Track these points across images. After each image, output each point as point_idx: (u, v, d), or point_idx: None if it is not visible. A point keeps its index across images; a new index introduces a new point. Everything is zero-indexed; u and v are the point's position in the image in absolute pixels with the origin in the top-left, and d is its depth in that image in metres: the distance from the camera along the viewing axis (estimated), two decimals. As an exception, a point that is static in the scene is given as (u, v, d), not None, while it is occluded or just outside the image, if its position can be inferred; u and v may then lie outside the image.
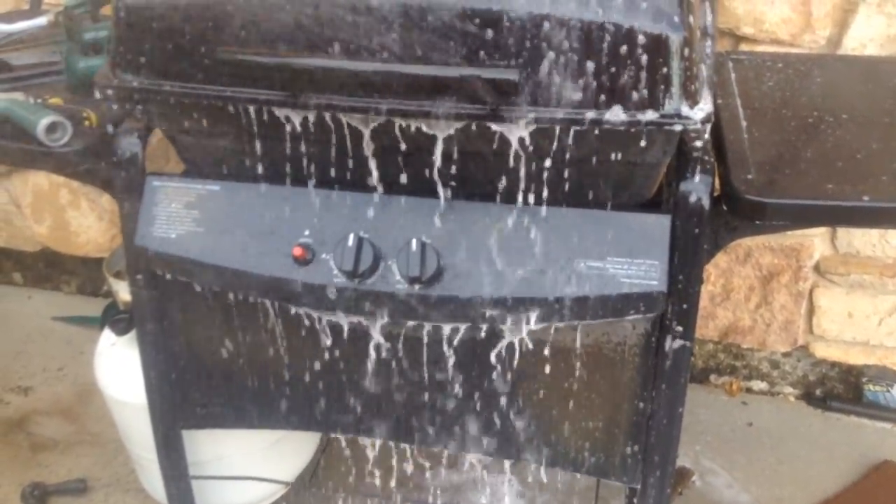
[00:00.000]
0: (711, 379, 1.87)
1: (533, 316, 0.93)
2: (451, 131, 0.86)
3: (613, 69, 0.79)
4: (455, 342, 0.99)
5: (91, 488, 1.63)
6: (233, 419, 1.18)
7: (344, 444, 1.42)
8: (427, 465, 1.59)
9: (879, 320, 1.65)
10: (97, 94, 0.93)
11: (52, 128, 0.96)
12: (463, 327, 0.97)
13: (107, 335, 1.31)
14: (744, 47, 1.42)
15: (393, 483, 1.51)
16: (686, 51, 0.80)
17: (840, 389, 1.81)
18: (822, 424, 1.78)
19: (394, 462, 1.41)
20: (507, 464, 1.51)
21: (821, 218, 0.88)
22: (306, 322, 1.04)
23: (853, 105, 1.04)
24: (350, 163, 0.94)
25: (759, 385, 1.87)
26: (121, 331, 1.22)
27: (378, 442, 1.21)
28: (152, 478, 1.36)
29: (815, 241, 1.59)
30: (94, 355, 1.32)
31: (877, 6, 1.33)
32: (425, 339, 1.01)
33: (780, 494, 1.61)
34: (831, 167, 0.88)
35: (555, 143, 0.85)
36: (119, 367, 1.27)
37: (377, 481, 1.51)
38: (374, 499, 1.54)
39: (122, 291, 1.22)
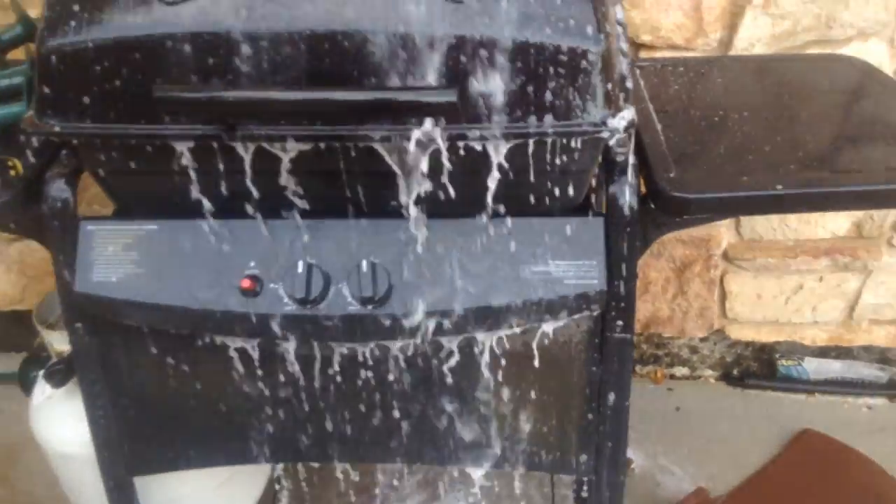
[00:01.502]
0: (637, 369, 1.95)
1: (485, 325, 0.96)
2: (390, 153, 0.89)
3: (543, 84, 0.84)
4: (408, 357, 1.02)
5: (35, 552, 1.57)
6: (186, 460, 1.16)
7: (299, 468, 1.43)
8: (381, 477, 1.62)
9: (786, 299, 1.77)
10: (24, 141, 0.91)
11: (-22, 180, 0.94)
12: (417, 342, 1.00)
13: (40, 389, 1.27)
14: (643, 54, 1.50)
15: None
16: (605, 62, 0.86)
17: (755, 367, 1.93)
18: (742, 402, 1.90)
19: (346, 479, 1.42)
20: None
21: (741, 208, 0.95)
22: (255, 353, 1.04)
23: (752, 101, 1.12)
24: (292, 191, 0.95)
25: (681, 371, 1.96)
26: (57, 383, 1.19)
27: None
28: (100, 530, 1.32)
29: (722, 230, 1.70)
30: (28, 411, 1.28)
31: (762, 8, 1.43)
32: (379, 358, 1.03)
33: (714, 471, 1.70)
34: (743, 160, 0.96)
35: (491, 157, 0.89)
36: (58, 420, 1.23)
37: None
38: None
39: (57, 342, 1.19)
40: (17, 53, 1.15)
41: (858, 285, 1.73)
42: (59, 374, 1.18)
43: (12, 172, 0.97)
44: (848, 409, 1.85)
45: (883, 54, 1.50)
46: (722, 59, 1.38)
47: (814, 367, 1.88)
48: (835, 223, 1.65)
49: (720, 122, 1.05)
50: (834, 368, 1.87)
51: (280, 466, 1.50)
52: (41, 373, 1.27)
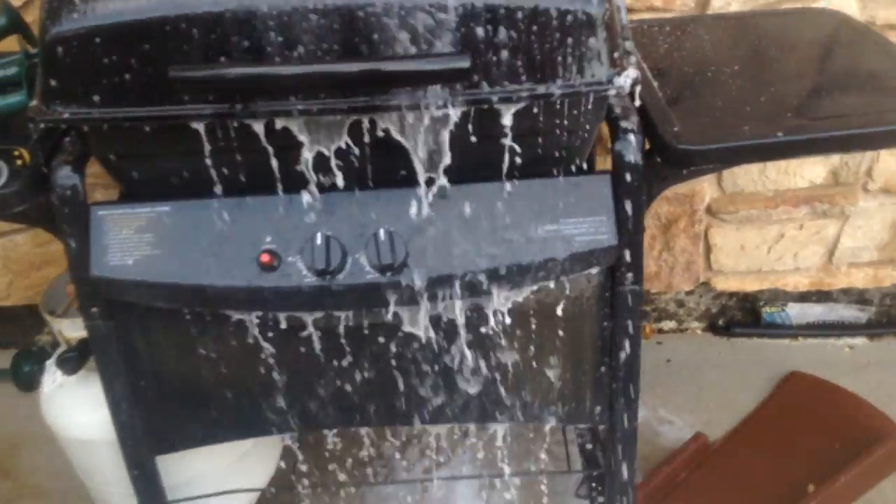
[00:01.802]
0: (627, 326, 2.00)
1: (500, 285, 0.99)
2: (403, 123, 0.90)
3: (551, 47, 0.86)
4: (429, 320, 1.04)
5: (45, 540, 1.58)
6: (207, 436, 1.18)
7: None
8: (397, 447, 1.65)
9: (768, 248, 1.82)
10: (32, 130, 0.91)
11: (-12, 171, 0.93)
12: (437, 306, 1.02)
13: (50, 377, 1.27)
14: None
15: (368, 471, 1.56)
16: (608, 22, 0.88)
17: (740, 316, 1.99)
18: (729, 350, 1.96)
19: (364, 451, 1.45)
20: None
21: (744, 157, 0.98)
22: (275, 327, 1.06)
23: (740, 56, 1.16)
24: (301, 165, 0.96)
25: (669, 324, 2.02)
26: (70, 370, 1.19)
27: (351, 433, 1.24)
28: (120, 513, 1.34)
29: (705, 185, 1.74)
30: (40, 401, 1.28)
31: (736, -35, 1.47)
32: (397, 323, 1.05)
33: (708, 418, 1.76)
34: (742, 112, 0.99)
35: (502, 121, 0.91)
36: (72, 406, 1.24)
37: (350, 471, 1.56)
38: (350, 488, 1.58)
39: (66, 330, 1.19)
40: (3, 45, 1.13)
41: (837, 231, 1.79)
42: (72, 362, 1.18)
43: (19, 162, 0.97)
44: (831, 350, 1.92)
45: (852, 8, 1.54)
46: (704, 18, 1.41)
47: (796, 312, 1.94)
48: (812, 172, 1.71)
49: (713, 78, 1.09)
50: (816, 312, 1.94)
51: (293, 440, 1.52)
52: (51, 362, 1.27)
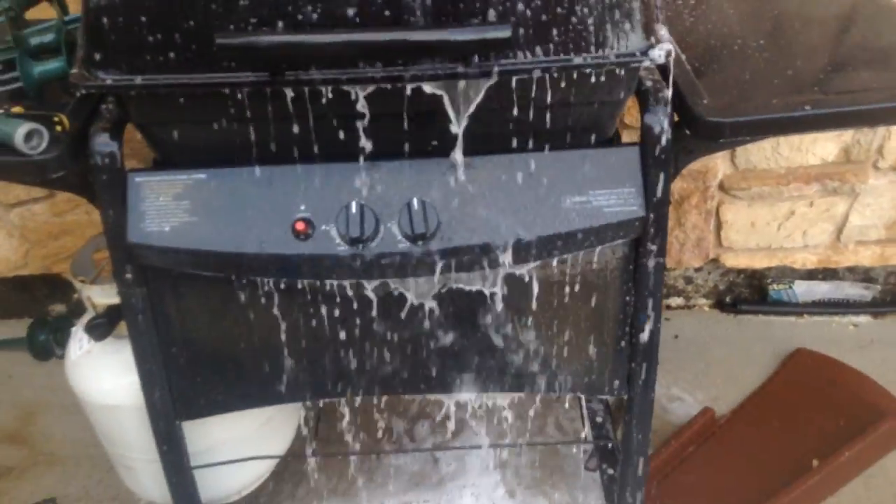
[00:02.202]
0: (636, 302, 2.02)
1: (530, 256, 1.01)
2: (442, 92, 0.92)
3: (588, 17, 0.88)
4: (456, 291, 1.06)
5: (63, 506, 1.60)
6: (233, 402, 1.20)
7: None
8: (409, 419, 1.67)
9: (778, 225, 1.84)
10: (77, 95, 0.92)
11: (29, 136, 0.94)
12: (467, 276, 1.04)
13: (77, 343, 1.28)
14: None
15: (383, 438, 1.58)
16: (644, -5, 0.90)
17: (747, 293, 2.02)
18: (736, 327, 1.98)
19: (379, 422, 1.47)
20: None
21: (773, 129, 1.00)
22: (307, 295, 1.08)
23: (767, 30, 1.17)
24: (337, 134, 0.97)
25: (676, 301, 2.04)
26: (99, 336, 1.21)
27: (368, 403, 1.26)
28: (142, 477, 1.36)
29: (718, 162, 1.76)
30: (66, 367, 1.29)
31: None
32: (427, 292, 1.07)
33: (716, 394, 1.78)
34: (770, 85, 1.01)
35: (538, 92, 0.92)
36: (99, 372, 1.25)
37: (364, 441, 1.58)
38: (370, 456, 1.60)
39: (95, 296, 1.20)
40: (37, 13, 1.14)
41: (846, 208, 1.81)
42: (101, 328, 1.20)
43: (58, 128, 0.98)
44: (836, 328, 1.95)
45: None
46: (726, -8, 1.42)
47: (803, 290, 1.97)
48: (824, 149, 1.72)
49: (739, 51, 1.10)
50: (821, 290, 1.97)
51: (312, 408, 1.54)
52: (77, 328, 1.29)
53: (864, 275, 1.96)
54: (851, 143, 1.71)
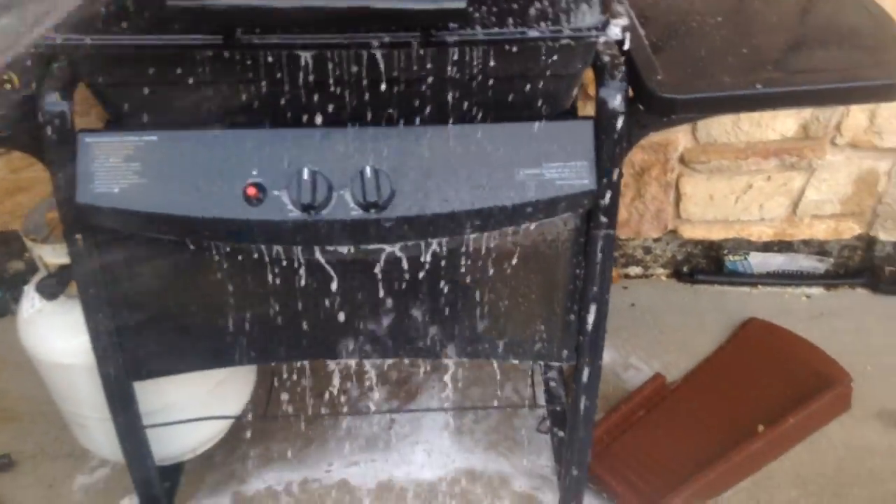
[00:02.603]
0: (595, 270, 2.04)
1: (482, 226, 1.02)
2: (393, 61, 0.91)
3: (544, -9, 0.88)
4: (408, 259, 1.07)
5: (17, 462, 1.60)
6: (183, 364, 1.20)
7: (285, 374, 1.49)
8: (367, 381, 1.69)
9: (736, 198, 1.87)
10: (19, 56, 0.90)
11: (-25, 93, 0.92)
12: (419, 244, 1.05)
13: (29, 302, 1.27)
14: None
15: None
16: (600, -31, 0.90)
17: (704, 264, 2.05)
18: (692, 296, 2.02)
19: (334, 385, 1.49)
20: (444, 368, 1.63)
21: (724, 107, 1.01)
22: (257, 259, 1.08)
23: (725, 8, 1.17)
24: (291, 100, 0.97)
25: (635, 270, 2.07)
26: (50, 295, 1.20)
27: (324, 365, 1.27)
28: (96, 435, 1.36)
29: (679, 135, 1.77)
30: (18, 325, 1.28)
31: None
32: (378, 259, 1.07)
33: (668, 360, 1.82)
34: (724, 62, 1.01)
35: (492, 63, 0.92)
36: (50, 331, 1.25)
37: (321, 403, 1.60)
38: (326, 418, 1.62)
39: (47, 255, 1.19)
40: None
41: (803, 183, 1.84)
42: (52, 287, 1.19)
43: (8, 86, 0.96)
44: (788, 299, 1.99)
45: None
46: (690, -34, 1.42)
47: (758, 262, 2.00)
48: (784, 125, 1.74)
49: (697, 28, 1.10)
50: (776, 262, 2.01)
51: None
52: (29, 287, 1.28)
53: (818, 248, 2.00)
54: (810, 120, 1.73)
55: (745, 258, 2.00)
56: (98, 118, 1.15)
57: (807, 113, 1.72)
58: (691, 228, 1.94)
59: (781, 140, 1.77)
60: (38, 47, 0.88)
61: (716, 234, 1.95)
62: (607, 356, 1.83)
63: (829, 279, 2.01)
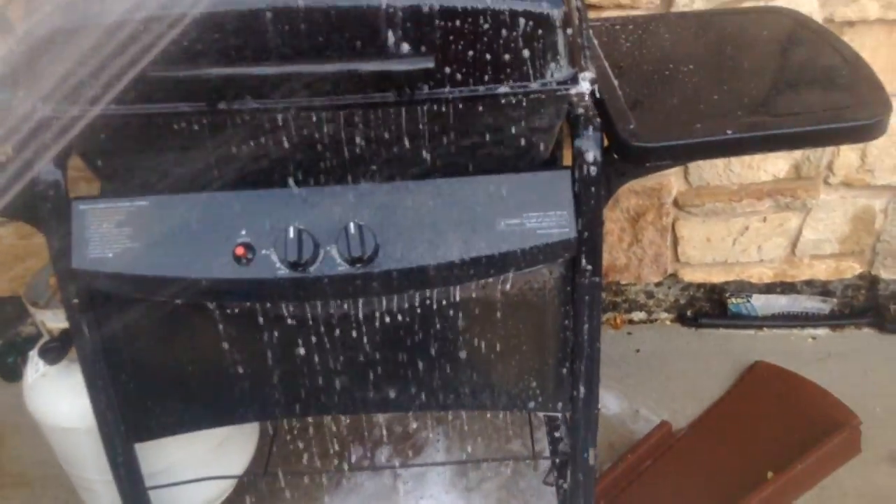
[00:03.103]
0: (598, 317, 2.05)
1: (466, 277, 1.03)
2: (371, 120, 0.95)
3: (512, 48, 0.91)
4: (396, 312, 1.09)
5: (27, 528, 1.61)
6: (185, 424, 1.22)
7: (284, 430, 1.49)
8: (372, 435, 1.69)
9: (733, 240, 1.88)
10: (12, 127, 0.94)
11: (-28, 166, 0.96)
12: (404, 297, 1.06)
13: (33, 367, 1.30)
14: (592, 14, 1.57)
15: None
16: (566, 23, 0.93)
17: (707, 307, 2.05)
18: (697, 341, 2.01)
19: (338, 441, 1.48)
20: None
21: (696, 153, 1.03)
22: (250, 318, 1.10)
23: (698, 54, 1.20)
24: (275, 161, 1.00)
25: (639, 315, 2.07)
26: (52, 360, 1.23)
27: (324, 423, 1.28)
28: (101, 500, 1.37)
29: (672, 179, 1.79)
30: (22, 390, 1.31)
31: (699, -34, 1.52)
32: (368, 314, 1.09)
33: (675, 407, 1.81)
34: (695, 110, 1.04)
35: (466, 119, 0.95)
36: (54, 396, 1.27)
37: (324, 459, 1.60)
38: (327, 475, 1.62)
39: (49, 321, 1.22)
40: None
41: (799, 223, 1.85)
42: (54, 352, 1.22)
43: (1, 157, 1.00)
44: (794, 341, 1.98)
45: (813, 5, 1.60)
46: (667, 16, 1.46)
47: (761, 304, 2.00)
48: (775, 166, 1.76)
49: (671, 75, 1.13)
50: (780, 303, 2.00)
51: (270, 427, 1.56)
52: (33, 352, 1.31)
53: (821, 288, 2.00)
54: (801, 160, 1.75)
55: (748, 300, 2.00)
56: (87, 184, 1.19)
57: (798, 153, 1.74)
58: (691, 272, 1.95)
59: (774, 181, 1.78)
60: (29, 119, 0.92)
61: (716, 277, 1.95)
62: (614, 404, 1.83)
63: (835, 319, 2.00)
